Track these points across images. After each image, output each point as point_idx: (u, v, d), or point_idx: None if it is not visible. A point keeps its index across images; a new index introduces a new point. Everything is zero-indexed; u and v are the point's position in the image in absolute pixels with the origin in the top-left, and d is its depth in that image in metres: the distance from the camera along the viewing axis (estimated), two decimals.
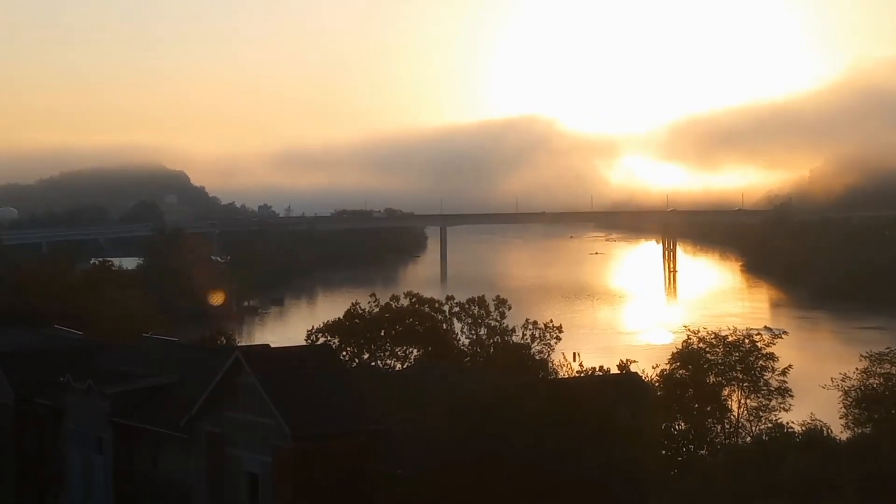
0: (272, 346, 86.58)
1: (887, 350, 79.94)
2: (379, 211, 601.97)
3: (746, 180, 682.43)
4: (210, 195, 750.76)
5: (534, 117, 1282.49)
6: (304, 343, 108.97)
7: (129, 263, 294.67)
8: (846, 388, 79.56)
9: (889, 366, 78.39)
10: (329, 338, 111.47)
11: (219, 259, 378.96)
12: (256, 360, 75.02)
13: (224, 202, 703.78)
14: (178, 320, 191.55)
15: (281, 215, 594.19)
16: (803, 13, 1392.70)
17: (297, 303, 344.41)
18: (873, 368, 79.24)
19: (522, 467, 66.96)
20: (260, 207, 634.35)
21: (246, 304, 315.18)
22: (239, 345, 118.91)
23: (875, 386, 78.36)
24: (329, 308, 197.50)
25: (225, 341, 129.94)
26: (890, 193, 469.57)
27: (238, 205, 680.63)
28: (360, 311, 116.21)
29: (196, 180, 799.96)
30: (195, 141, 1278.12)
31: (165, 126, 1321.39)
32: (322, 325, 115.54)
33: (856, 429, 78.47)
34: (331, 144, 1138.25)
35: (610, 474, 69.37)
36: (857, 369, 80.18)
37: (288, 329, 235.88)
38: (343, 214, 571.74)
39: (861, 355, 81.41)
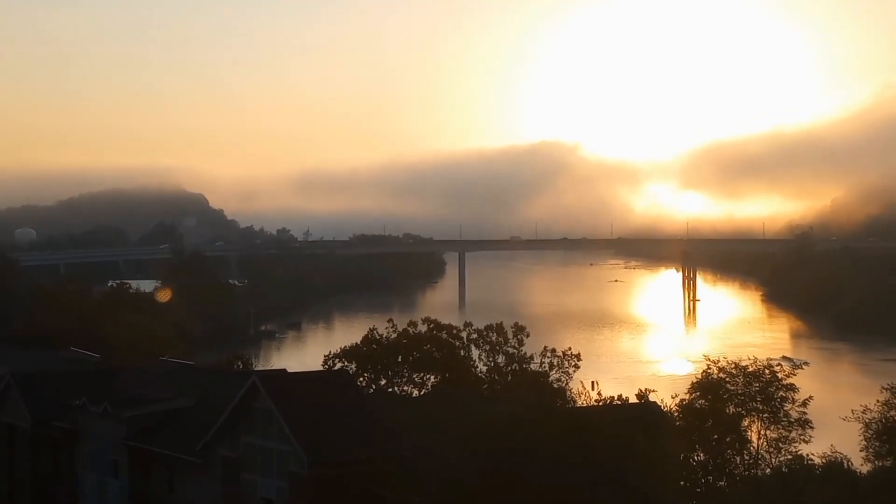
0: (289, 371, 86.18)
1: None
2: (397, 236, 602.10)
3: (769, 209, 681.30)
4: (229, 218, 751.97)
5: (556, 143, 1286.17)
6: (321, 368, 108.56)
7: (147, 286, 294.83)
8: (867, 421, 79.03)
9: None
10: (346, 363, 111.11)
11: (237, 283, 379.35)
12: (273, 386, 74.63)
13: (243, 225, 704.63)
14: (195, 343, 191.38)
15: (299, 239, 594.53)
16: (831, 40, 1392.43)
17: (314, 327, 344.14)
18: (894, 401, 78.68)
19: (539, 496, 66.34)
20: (278, 231, 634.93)
21: (263, 328, 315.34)
22: (256, 369, 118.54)
23: None
24: (346, 333, 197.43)
25: (242, 366, 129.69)
26: None
27: (256, 228, 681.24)
28: (378, 337, 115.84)
29: (215, 203, 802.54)
30: (214, 163, 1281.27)
31: (185, 148, 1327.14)
32: (339, 350, 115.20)
33: (876, 461, 77.89)
34: (350, 168, 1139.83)
35: None
36: (878, 401, 79.66)
37: (305, 354, 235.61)
38: (361, 239, 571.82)
39: (882, 387, 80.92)
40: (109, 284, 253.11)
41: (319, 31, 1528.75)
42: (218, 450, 77.20)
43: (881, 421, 78.25)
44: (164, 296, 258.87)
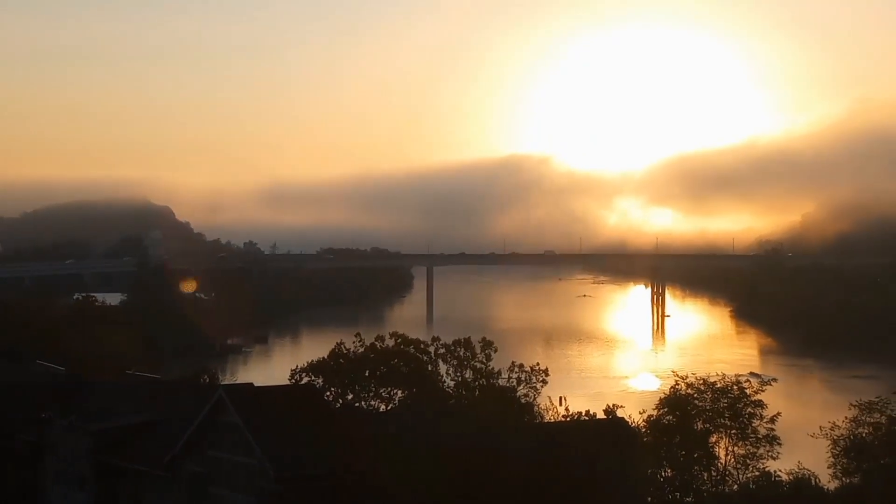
0: (256, 385, 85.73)
1: (877, 399, 79.58)
2: (366, 249, 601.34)
3: (739, 224, 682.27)
4: (195, 231, 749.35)
5: (526, 157, 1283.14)
6: (288, 382, 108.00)
7: (113, 299, 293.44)
8: (835, 437, 79.16)
9: (879, 415, 77.94)
10: (313, 378, 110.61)
11: (203, 296, 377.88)
12: (240, 400, 74.25)
13: (209, 238, 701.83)
14: (161, 357, 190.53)
15: (266, 252, 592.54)
16: (805, 55, 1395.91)
17: (281, 341, 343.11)
18: (862, 417, 78.85)
19: None
20: (245, 244, 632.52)
21: (230, 341, 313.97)
22: (222, 383, 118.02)
23: (864, 435, 77.91)
24: (313, 347, 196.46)
25: (208, 379, 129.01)
26: (883, 241, 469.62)
27: (223, 241, 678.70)
28: (345, 351, 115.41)
29: (181, 215, 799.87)
30: (181, 176, 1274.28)
31: (151, 161, 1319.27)
32: (306, 364, 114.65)
33: (844, 478, 78.02)
34: (319, 181, 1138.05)
35: None
36: (846, 418, 79.79)
37: (272, 368, 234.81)
38: (329, 253, 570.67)
39: (850, 404, 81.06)
40: (75, 297, 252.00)
41: (287, 44, 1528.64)
42: (185, 464, 76.72)
43: (849, 438, 78.37)
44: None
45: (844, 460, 78.05)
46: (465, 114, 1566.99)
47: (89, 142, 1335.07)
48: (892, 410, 78.18)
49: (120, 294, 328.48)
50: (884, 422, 77.33)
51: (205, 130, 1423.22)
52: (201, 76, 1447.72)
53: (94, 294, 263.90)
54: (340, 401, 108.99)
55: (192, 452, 76.22)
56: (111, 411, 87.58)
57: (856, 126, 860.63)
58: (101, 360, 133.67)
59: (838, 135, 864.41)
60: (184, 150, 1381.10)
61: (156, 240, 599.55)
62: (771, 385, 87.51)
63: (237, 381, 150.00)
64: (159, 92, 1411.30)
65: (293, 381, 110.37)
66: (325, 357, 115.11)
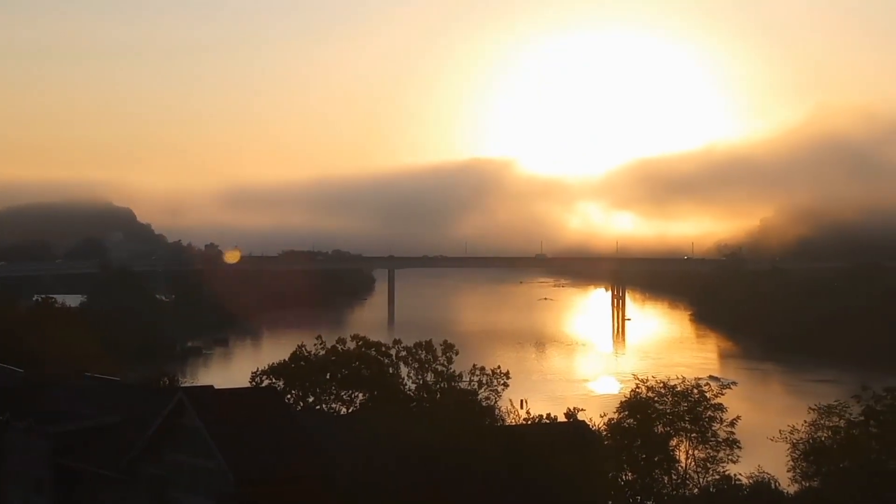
0: (216, 387, 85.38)
1: (836, 403, 79.75)
2: (327, 252, 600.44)
3: (699, 228, 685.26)
4: (156, 232, 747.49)
5: (488, 160, 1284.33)
6: (248, 385, 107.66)
7: (73, 300, 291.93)
8: (794, 441, 79.31)
9: (838, 419, 78.16)
10: (274, 380, 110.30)
11: (164, 298, 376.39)
12: (200, 402, 73.92)
13: (171, 240, 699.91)
14: (121, 359, 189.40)
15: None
16: (768, 59, 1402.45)
17: (241, 344, 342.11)
18: (822, 421, 79.02)
19: None
20: (207, 246, 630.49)
21: (190, 344, 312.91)
22: (182, 386, 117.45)
23: (823, 439, 78.11)
24: (274, 350, 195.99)
25: (168, 382, 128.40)
26: (840, 245, 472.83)
27: (185, 243, 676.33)
28: (306, 354, 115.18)
29: (142, 217, 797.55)
30: (142, 178, 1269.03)
31: (113, 162, 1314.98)
32: (267, 367, 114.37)
33: (803, 482, 78.21)
34: (280, 184, 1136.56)
35: None
36: (805, 422, 79.96)
37: (232, 370, 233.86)
38: (290, 255, 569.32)
39: (809, 408, 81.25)
40: (35, 299, 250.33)
41: (250, 47, 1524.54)
42: (144, 467, 76.36)
43: (808, 441, 78.54)
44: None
45: (804, 464, 78.23)
46: (428, 117, 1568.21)
47: (50, 143, 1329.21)
48: (851, 414, 78.47)
49: (80, 296, 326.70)
50: (843, 425, 77.55)
51: (167, 132, 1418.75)
52: (164, 77, 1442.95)
53: (55, 296, 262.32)
54: (301, 403, 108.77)
55: (151, 455, 75.85)
56: (70, 414, 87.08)
57: (814, 131, 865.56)
58: (60, 361, 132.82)
59: (797, 140, 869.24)
60: (146, 151, 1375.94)
61: (117, 242, 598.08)
62: (731, 388, 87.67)
63: (197, 384, 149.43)
64: (121, 93, 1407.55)
65: (254, 383, 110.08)
66: (286, 359, 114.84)
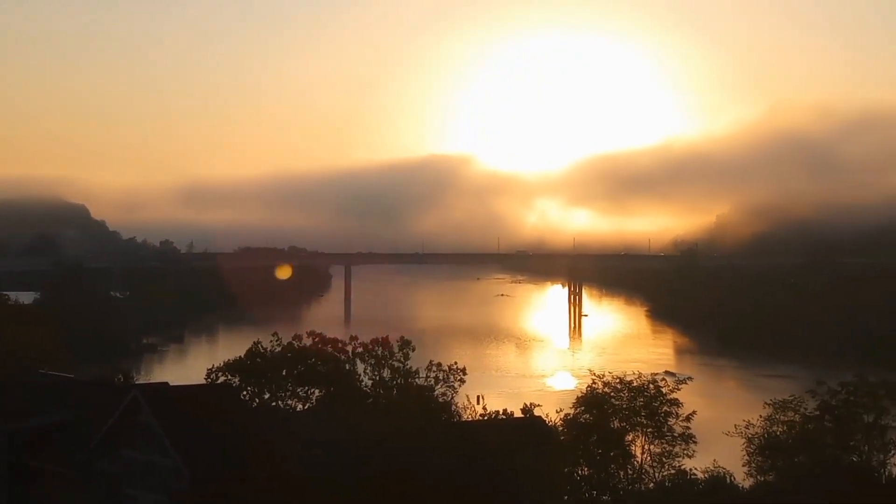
0: (171, 384, 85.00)
1: (791, 398, 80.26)
2: (284, 249, 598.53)
3: (656, 224, 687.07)
4: (111, 229, 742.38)
5: (446, 157, 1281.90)
6: (204, 382, 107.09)
7: (27, 298, 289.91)
8: (749, 436, 79.82)
9: (793, 413, 78.65)
10: (230, 377, 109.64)
11: (119, 295, 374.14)
12: (155, 399, 73.58)
13: (125, 237, 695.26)
14: (76, 356, 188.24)
15: (183, 251, 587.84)
16: (725, 56, 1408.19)
17: (197, 340, 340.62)
18: (777, 416, 79.58)
19: None
20: (162, 243, 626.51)
21: (145, 340, 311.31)
22: (137, 383, 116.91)
23: (778, 434, 78.60)
24: (230, 346, 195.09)
25: (123, 379, 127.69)
26: (796, 241, 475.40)
27: (140, 240, 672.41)
28: (262, 351, 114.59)
29: (97, 214, 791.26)
30: (96, 174, 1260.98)
31: (66, 158, 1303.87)
32: (223, 363, 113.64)
33: (759, 476, 78.65)
34: (238, 180, 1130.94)
35: None
36: (760, 416, 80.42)
37: (188, 367, 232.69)
38: (247, 251, 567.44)
39: (765, 403, 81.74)
40: None
41: (207, 43, 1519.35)
42: (99, 464, 75.90)
43: (763, 436, 79.03)
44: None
45: (759, 458, 78.68)
46: (386, 115, 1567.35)
47: (1, 138, 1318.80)
48: (806, 409, 78.89)
49: (34, 293, 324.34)
50: (797, 420, 78.05)
51: (122, 128, 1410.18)
52: (119, 72, 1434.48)
53: (8, 293, 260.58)
54: (257, 400, 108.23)
55: (106, 452, 75.38)
56: (24, 411, 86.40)
57: (770, 128, 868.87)
58: (14, 359, 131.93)
59: (753, 137, 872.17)
60: (100, 147, 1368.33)
61: (71, 238, 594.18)
62: (686, 384, 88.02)
63: (152, 381, 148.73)
64: (74, 88, 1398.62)
65: (209, 380, 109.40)
66: (242, 356, 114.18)
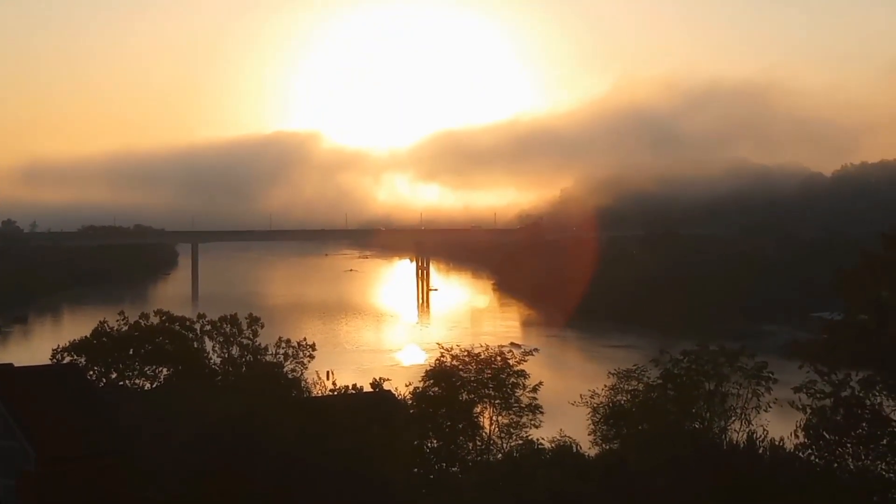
0: (15, 365, 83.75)
1: (634, 367, 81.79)
2: (128, 227, 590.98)
3: (504, 199, 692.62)
4: None
5: (293, 133, 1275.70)
6: (49, 362, 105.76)
7: None
8: (594, 405, 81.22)
9: (636, 382, 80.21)
10: (76, 357, 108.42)
11: None
12: None
13: None
14: None
15: (25, 231, 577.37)
16: (571, 30, 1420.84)
17: (42, 321, 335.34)
18: (621, 385, 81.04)
19: (275, 485, 66.25)
20: (3, 223, 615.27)
21: None
22: None
23: (622, 402, 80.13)
24: (76, 326, 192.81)
25: None
26: (639, 214, 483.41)
27: None
28: (109, 330, 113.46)
29: None
30: None
31: None
32: (68, 343, 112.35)
33: (604, 444, 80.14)
34: (79, 158, 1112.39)
35: (363, 493, 69.13)
36: (605, 386, 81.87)
37: (32, 348, 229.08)
38: (91, 230, 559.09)
39: (609, 372, 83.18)
40: None
41: (42, 17, 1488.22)
42: None
43: (608, 405, 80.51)
44: None
45: (604, 427, 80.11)
46: (231, 90, 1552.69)
47: None
48: (649, 378, 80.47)
49: None
50: (641, 389, 79.55)
51: None
52: None
53: None
54: (104, 380, 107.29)
55: None
56: None
57: (615, 103, 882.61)
58: None
59: (598, 111, 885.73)
60: None
61: None
62: (533, 355, 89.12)
63: None
64: None
65: (54, 360, 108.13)
66: (88, 336, 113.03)
